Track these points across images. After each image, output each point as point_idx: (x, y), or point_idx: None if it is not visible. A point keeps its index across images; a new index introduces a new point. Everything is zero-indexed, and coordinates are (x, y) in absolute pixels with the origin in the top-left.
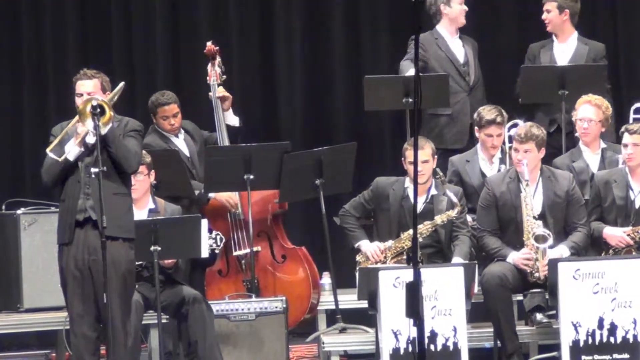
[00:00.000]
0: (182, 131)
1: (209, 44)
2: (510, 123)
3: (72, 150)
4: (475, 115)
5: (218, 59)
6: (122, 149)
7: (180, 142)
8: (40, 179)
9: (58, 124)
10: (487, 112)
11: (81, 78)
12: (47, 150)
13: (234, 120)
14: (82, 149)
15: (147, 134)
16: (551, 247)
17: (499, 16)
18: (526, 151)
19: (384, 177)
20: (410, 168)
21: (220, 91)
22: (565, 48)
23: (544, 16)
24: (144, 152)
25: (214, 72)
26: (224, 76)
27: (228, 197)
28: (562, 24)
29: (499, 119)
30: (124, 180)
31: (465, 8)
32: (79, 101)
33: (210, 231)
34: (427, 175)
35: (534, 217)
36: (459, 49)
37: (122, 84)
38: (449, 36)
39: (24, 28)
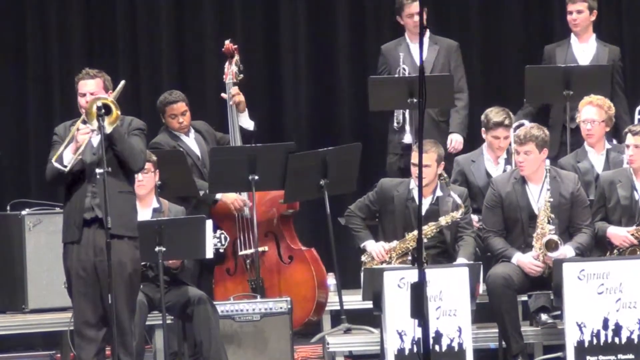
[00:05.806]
0: (193, 130)
1: (227, 42)
2: (517, 123)
3: (67, 157)
4: (482, 117)
5: (236, 58)
6: (128, 147)
7: (191, 141)
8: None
9: (61, 124)
10: (495, 114)
11: (83, 78)
12: (52, 160)
13: (248, 123)
14: (80, 157)
15: (158, 133)
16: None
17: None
18: (526, 153)
19: (389, 179)
20: (414, 170)
21: (234, 92)
22: (586, 48)
23: (574, 16)
24: (149, 151)
25: (231, 70)
26: (241, 75)
27: (234, 200)
28: (589, 24)
29: (506, 122)
30: (129, 178)
31: (415, 20)
32: (81, 101)
33: (214, 230)
34: (427, 179)
35: (548, 221)
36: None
37: (122, 82)
38: (412, 43)
39: (29, 28)
